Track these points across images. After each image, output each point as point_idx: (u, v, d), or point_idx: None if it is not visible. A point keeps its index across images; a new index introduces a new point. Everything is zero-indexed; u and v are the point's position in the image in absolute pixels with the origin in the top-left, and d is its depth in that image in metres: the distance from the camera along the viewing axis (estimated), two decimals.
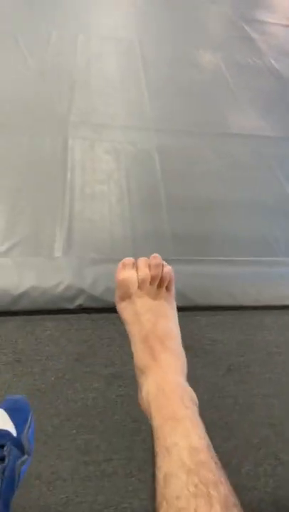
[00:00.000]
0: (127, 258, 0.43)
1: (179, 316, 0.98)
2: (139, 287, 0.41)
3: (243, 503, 0.72)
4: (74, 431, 0.74)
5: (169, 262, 1.07)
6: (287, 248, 1.18)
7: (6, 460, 0.39)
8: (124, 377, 0.84)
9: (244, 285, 1.04)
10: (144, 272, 0.42)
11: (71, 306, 0.89)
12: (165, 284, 0.43)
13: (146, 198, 1.17)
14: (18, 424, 0.46)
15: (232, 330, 0.98)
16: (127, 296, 0.42)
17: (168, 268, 0.43)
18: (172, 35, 2.12)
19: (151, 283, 0.42)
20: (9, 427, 0.45)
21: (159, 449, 0.29)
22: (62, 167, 1.21)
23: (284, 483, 0.79)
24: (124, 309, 0.42)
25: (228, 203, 1.25)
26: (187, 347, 0.97)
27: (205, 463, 0.25)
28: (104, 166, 1.25)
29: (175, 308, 0.44)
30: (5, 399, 0.52)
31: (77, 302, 0.90)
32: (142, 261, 0.43)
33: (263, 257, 1.13)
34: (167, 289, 0.44)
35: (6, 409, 0.48)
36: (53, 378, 0.80)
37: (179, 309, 1.04)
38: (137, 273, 0.42)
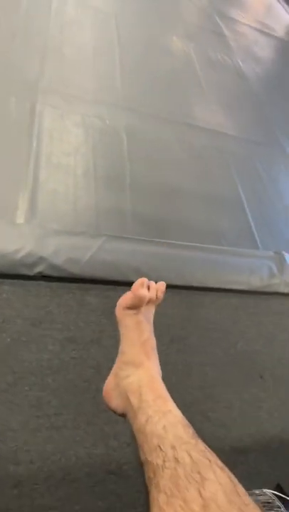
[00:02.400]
0: (144, 279, 0.53)
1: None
2: (146, 304, 0.52)
3: None
4: (27, 388, 0.79)
5: (128, 240, 1.13)
6: (232, 239, 1.32)
7: None
8: (79, 342, 0.89)
9: (193, 268, 1.15)
10: (153, 294, 0.54)
11: (31, 273, 0.91)
12: (157, 303, 0.56)
13: (111, 175, 1.21)
14: None
15: (178, 306, 1.09)
16: (135, 308, 0.51)
17: (164, 293, 0.55)
18: (149, 17, 2.10)
19: (153, 302, 0.54)
20: None
21: (154, 412, 0.40)
22: (28, 133, 1.18)
23: (210, 436, 0.94)
24: (129, 316, 0.52)
25: (187, 192, 1.34)
26: None
27: (191, 426, 0.37)
28: (72, 137, 1.25)
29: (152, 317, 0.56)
30: None
31: (37, 269, 0.92)
32: (153, 285, 0.55)
33: (211, 244, 1.25)
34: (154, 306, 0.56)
35: None
36: (8, 340, 0.83)
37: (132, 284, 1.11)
38: (149, 293, 0.53)
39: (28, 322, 0.87)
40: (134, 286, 0.52)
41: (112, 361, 0.90)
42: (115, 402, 0.49)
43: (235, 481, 0.30)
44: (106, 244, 1.02)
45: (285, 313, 1.23)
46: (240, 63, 2.23)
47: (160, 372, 0.50)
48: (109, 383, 0.52)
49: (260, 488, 0.84)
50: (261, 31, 2.77)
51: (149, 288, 0.54)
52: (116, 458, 0.79)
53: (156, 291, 0.54)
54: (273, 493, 0.79)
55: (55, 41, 1.53)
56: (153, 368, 0.48)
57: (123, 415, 0.47)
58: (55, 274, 0.94)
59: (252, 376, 1.06)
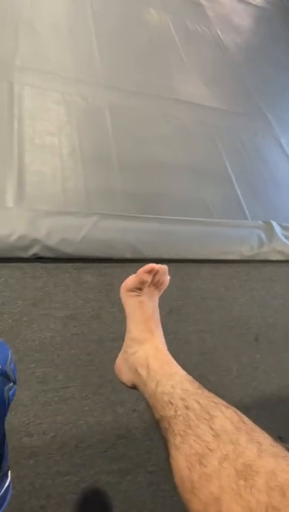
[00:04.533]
0: (153, 266, 0.55)
1: (129, 267, 1.09)
2: (148, 286, 0.55)
3: None
4: (33, 365, 0.81)
5: (120, 217, 1.14)
6: (221, 211, 1.34)
7: None
8: (79, 318, 0.91)
9: (186, 241, 1.17)
10: (157, 279, 0.56)
11: (26, 255, 0.92)
12: (162, 289, 0.59)
13: (98, 154, 1.20)
14: (1, 359, 0.52)
15: (174, 279, 1.11)
16: (138, 289, 0.55)
17: (168, 278, 0.59)
18: None
19: (155, 285, 0.57)
20: None
21: (161, 377, 0.43)
22: (9, 115, 1.15)
23: None
24: (131, 297, 0.55)
25: (174, 166, 1.34)
26: None
27: (196, 381, 0.40)
28: (54, 117, 1.23)
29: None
30: None
31: (32, 251, 0.92)
32: (162, 269, 0.56)
33: (201, 217, 1.27)
34: (159, 290, 0.59)
35: None
36: (10, 321, 0.84)
37: (129, 261, 1.13)
38: (153, 278, 0.55)
39: (28, 303, 0.88)
40: (140, 270, 0.55)
41: (113, 334, 0.93)
42: (126, 376, 0.52)
43: (241, 414, 0.33)
44: (99, 223, 1.03)
45: (275, 280, 1.27)
46: (220, 33, 2.18)
47: (165, 345, 0.53)
48: (120, 360, 0.55)
49: None
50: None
51: (156, 272, 0.57)
52: (124, 423, 0.83)
53: (159, 276, 0.57)
54: None
55: (26, 15, 1.47)
56: (157, 341, 0.52)
57: (133, 387, 0.51)
58: (50, 255, 0.95)
59: (248, 340, 1.10)
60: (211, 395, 0.37)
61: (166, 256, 1.12)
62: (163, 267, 0.58)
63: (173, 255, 1.13)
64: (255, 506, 0.24)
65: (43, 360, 0.82)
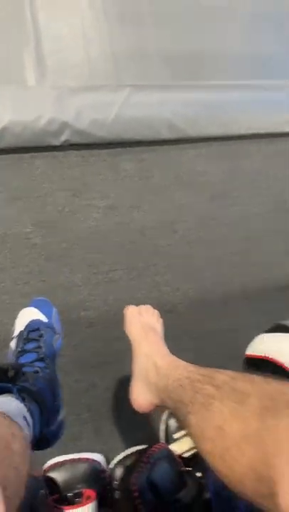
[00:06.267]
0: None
1: (168, 150, 0.97)
2: (139, 313, 0.64)
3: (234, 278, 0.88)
4: (82, 251, 0.86)
5: (156, 88, 0.98)
6: (283, 69, 1.08)
7: (44, 337, 0.54)
8: (120, 208, 0.91)
9: (236, 112, 1.00)
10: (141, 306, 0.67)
11: (58, 143, 0.86)
12: (155, 315, 0.66)
13: (125, 4, 0.95)
14: (46, 314, 0.60)
15: (219, 161, 1.01)
16: (133, 320, 0.64)
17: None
18: None
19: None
20: (40, 317, 0.59)
21: (170, 370, 0.47)
22: None
23: (257, 277, 1.00)
24: (131, 325, 0.63)
25: (220, 12, 1.04)
26: (176, 179, 1.01)
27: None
28: None
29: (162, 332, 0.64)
30: (32, 301, 0.64)
31: (63, 138, 0.86)
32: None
33: (257, 79, 1.04)
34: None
35: (34, 307, 0.61)
36: (55, 212, 0.86)
37: (169, 142, 1.02)
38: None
39: (69, 194, 0.88)
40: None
41: (154, 223, 0.92)
42: (142, 398, 0.52)
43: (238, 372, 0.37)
44: (131, 97, 0.90)
45: None
46: None
47: (161, 344, 0.58)
48: (132, 385, 0.55)
49: None
50: None
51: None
52: (170, 300, 0.91)
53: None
54: None
55: None
56: (160, 345, 0.56)
57: (152, 407, 0.51)
58: (82, 140, 0.88)
59: None
60: (214, 369, 0.40)
61: (208, 132, 0.99)
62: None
63: (220, 131, 0.99)
64: (250, 414, 0.28)
65: (90, 247, 0.87)
